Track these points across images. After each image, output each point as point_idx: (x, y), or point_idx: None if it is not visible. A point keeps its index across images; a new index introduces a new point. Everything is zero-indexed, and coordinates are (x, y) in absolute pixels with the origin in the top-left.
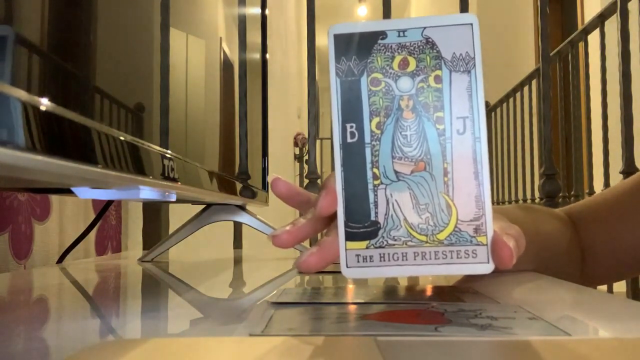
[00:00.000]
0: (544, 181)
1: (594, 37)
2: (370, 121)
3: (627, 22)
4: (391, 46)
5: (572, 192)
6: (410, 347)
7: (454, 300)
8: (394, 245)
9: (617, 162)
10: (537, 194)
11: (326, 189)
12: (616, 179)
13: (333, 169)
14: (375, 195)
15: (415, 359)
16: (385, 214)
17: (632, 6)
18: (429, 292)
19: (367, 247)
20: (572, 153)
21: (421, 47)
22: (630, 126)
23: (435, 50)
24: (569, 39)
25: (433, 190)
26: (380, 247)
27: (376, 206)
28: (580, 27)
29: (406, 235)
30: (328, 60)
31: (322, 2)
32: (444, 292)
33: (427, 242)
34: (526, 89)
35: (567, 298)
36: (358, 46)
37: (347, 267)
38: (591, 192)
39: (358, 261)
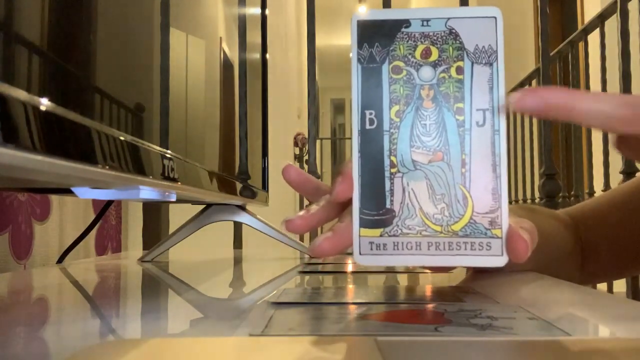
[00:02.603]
0: (544, 181)
1: (594, 37)
2: (390, 109)
3: (627, 22)
4: (414, 35)
5: (572, 192)
6: (410, 347)
7: (454, 300)
8: (408, 234)
9: (617, 162)
10: (537, 194)
11: (342, 175)
12: (616, 179)
13: (335, 166)
14: (392, 183)
15: (415, 359)
16: (401, 203)
17: (632, 6)
18: (429, 292)
19: (381, 235)
20: (572, 153)
21: (444, 38)
22: None
23: (458, 42)
24: (569, 39)
25: (450, 181)
26: (395, 235)
27: (392, 194)
28: (580, 27)
29: (421, 224)
30: (350, 47)
31: (322, 2)
32: (444, 292)
33: (441, 232)
34: None
35: (567, 298)
36: (381, 33)
37: (360, 254)
38: (591, 192)
39: (371, 249)
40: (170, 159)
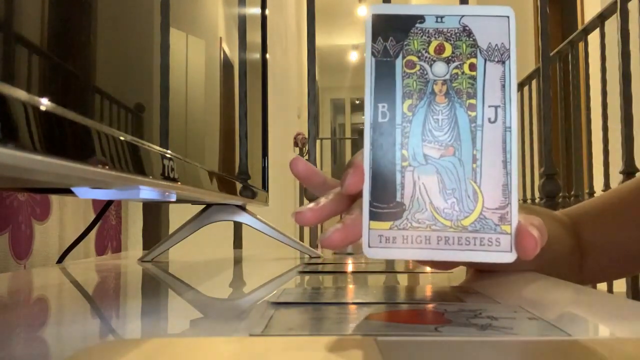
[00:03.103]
0: (544, 181)
1: (594, 37)
2: (403, 103)
3: (627, 22)
4: (428, 31)
5: (572, 192)
6: (410, 347)
7: (454, 300)
8: (417, 228)
9: (617, 162)
10: (537, 194)
11: (354, 167)
12: (616, 179)
13: (335, 166)
14: (403, 176)
15: (415, 359)
16: (411, 196)
17: (632, 6)
18: (429, 292)
19: (390, 228)
20: (572, 153)
21: (458, 34)
22: (630, 126)
23: (471, 39)
24: (569, 39)
25: (461, 175)
26: (404, 229)
27: (402, 188)
28: (580, 27)
29: (431, 218)
30: (365, 41)
31: (322, 2)
32: (444, 292)
33: (451, 227)
34: (526, 89)
35: (567, 298)
36: (395, 28)
37: (369, 246)
38: (591, 192)
39: (380, 241)
40: (170, 159)
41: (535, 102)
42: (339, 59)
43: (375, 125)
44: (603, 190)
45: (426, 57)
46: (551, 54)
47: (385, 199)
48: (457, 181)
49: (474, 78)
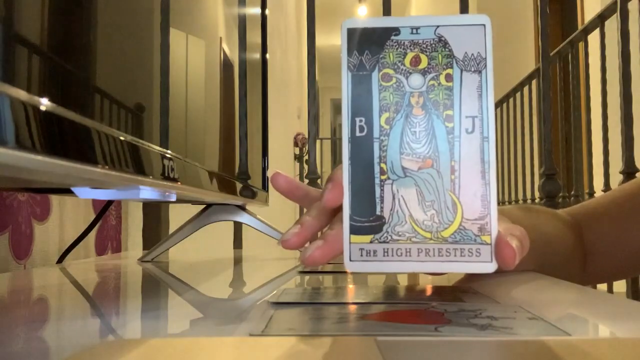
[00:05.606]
0: (544, 181)
1: (594, 37)
2: (380, 116)
3: (627, 22)
4: (404, 43)
5: (572, 192)
6: (410, 347)
7: (454, 300)
8: (398, 240)
9: (617, 162)
10: (537, 194)
11: (333, 182)
12: (616, 179)
13: (335, 166)
14: (382, 190)
15: (415, 359)
16: (391, 210)
17: (632, 6)
18: (429, 292)
19: (371, 242)
20: (572, 153)
21: (433, 45)
22: (630, 126)
23: (447, 49)
24: (569, 39)
25: (439, 187)
26: (385, 242)
27: (382, 201)
28: (580, 27)
29: (411, 231)
30: (340, 54)
31: (322, 2)
32: (444, 292)
33: (431, 239)
34: (526, 89)
35: (567, 298)
36: (371, 41)
37: (350, 260)
38: (591, 192)
39: (362, 255)
40: (170, 159)
41: (535, 102)
42: (339, 59)
43: (353, 140)
44: (603, 191)
45: (402, 70)
46: (551, 54)
47: (365, 212)
48: (436, 193)
49: (450, 89)
